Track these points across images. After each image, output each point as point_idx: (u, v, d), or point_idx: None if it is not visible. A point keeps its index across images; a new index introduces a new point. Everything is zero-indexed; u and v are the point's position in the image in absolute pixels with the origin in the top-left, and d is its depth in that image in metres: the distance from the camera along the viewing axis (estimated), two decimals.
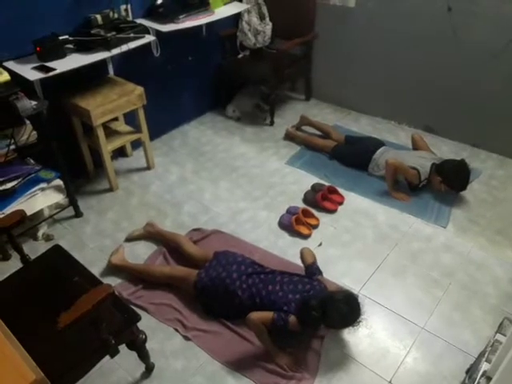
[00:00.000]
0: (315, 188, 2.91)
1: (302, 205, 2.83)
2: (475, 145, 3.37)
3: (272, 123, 3.72)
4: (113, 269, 2.37)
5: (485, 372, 1.51)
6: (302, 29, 3.61)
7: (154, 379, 1.90)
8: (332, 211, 2.79)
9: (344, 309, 1.85)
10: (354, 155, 3.16)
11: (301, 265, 2.25)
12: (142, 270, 2.32)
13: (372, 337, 2.06)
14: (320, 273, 2.16)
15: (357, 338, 2.05)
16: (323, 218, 2.73)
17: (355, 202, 2.87)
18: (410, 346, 2.02)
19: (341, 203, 2.86)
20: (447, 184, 2.83)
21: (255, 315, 1.91)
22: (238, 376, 1.90)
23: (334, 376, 1.90)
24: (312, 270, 2.16)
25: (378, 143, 3.16)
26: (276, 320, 1.88)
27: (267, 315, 1.90)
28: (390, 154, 3.00)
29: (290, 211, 2.74)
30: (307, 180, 3.04)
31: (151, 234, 2.57)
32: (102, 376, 1.88)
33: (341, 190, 2.91)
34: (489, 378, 1.44)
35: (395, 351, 2.00)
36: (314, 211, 2.74)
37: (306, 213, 2.70)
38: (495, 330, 1.77)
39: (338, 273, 2.35)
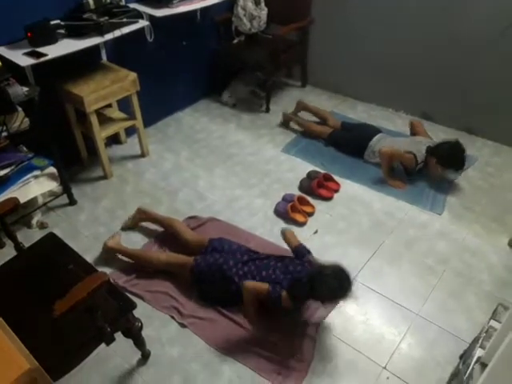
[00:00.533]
0: (311, 175, 2.90)
1: (297, 192, 2.82)
2: (471, 132, 3.36)
3: (268, 110, 3.69)
4: (108, 252, 2.36)
5: (479, 358, 1.52)
6: (298, 14, 3.56)
7: (150, 366, 1.90)
8: (328, 198, 2.78)
9: (333, 282, 1.84)
10: (350, 142, 3.14)
11: None
12: (138, 255, 2.31)
13: (367, 323, 2.08)
14: (309, 252, 2.15)
15: (352, 324, 2.07)
16: (319, 205, 2.73)
17: (351, 190, 2.87)
18: (404, 332, 2.03)
19: (336, 191, 2.85)
20: (443, 164, 2.80)
21: (251, 283, 1.96)
22: (234, 363, 1.91)
23: (330, 362, 1.92)
24: (301, 250, 2.15)
25: (375, 130, 3.15)
26: (271, 292, 1.91)
27: (263, 285, 1.94)
28: (386, 142, 2.99)
29: (286, 199, 2.73)
30: (303, 167, 3.02)
31: (145, 221, 2.56)
32: (98, 363, 1.88)
33: (336, 178, 2.90)
34: (483, 364, 1.45)
35: (390, 337, 2.01)
36: (309, 199, 2.74)
37: (301, 200, 2.70)
38: (489, 316, 1.78)
39: (333, 260, 2.35)
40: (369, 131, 3.14)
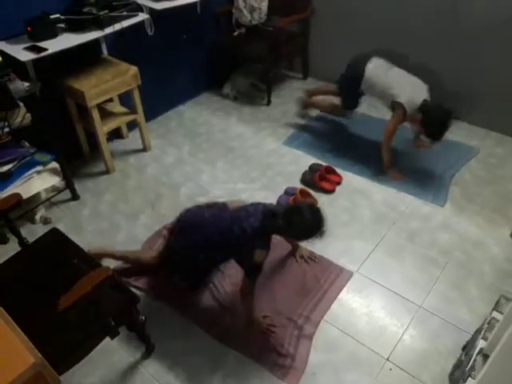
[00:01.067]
0: (313, 168, 2.89)
1: (299, 185, 2.82)
2: (474, 123, 3.34)
3: (269, 103, 3.68)
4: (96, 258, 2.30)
5: (481, 349, 1.53)
6: (298, 5, 3.54)
7: (154, 359, 1.92)
8: (330, 191, 2.78)
9: (310, 216, 1.81)
10: (346, 82, 3.07)
11: None
12: (125, 257, 2.28)
13: (370, 315, 2.08)
14: None
15: (355, 316, 2.07)
16: (321, 198, 2.73)
17: (353, 182, 2.86)
18: (407, 324, 2.04)
19: (339, 183, 2.85)
20: (425, 127, 2.68)
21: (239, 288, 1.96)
22: (237, 354, 1.92)
23: (333, 354, 1.93)
24: None
25: (365, 58, 2.92)
26: (246, 274, 1.90)
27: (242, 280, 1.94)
28: (385, 75, 2.81)
29: (288, 192, 2.73)
30: (304, 160, 3.02)
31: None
32: (102, 357, 1.89)
33: (338, 170, 2.90)
34: (485, 356, 1.46)
35: (393, 329, 2.02)
36: (311, 191, 2.73)
37: (303, 193, 2.70)
38: (491, 307, 1.79)
39: (336, 253, 2.36)
40: (360, 61, 2.94)
